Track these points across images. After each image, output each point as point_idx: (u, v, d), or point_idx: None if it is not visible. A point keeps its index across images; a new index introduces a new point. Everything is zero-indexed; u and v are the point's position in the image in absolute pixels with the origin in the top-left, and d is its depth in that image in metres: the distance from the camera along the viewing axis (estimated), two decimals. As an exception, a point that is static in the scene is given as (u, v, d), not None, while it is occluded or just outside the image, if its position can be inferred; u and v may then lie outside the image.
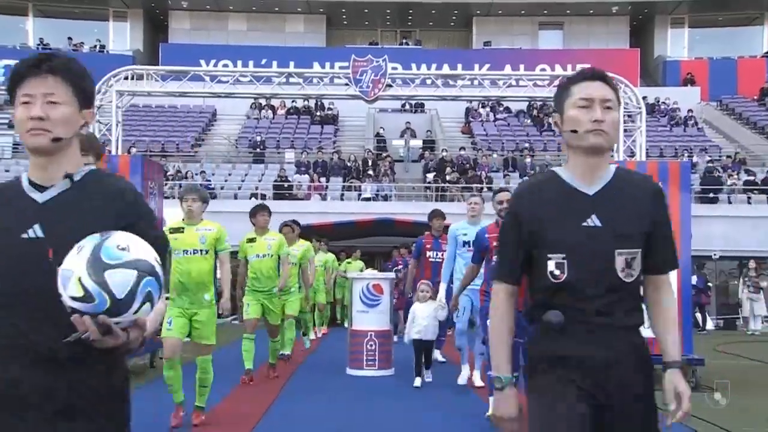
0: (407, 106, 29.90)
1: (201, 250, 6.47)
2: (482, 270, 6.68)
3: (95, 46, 35.05)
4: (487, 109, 30.01)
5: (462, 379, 8.61)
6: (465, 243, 8.06)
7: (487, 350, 6.55)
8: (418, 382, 8.49)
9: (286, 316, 9.91)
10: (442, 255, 9.03)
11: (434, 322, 8.30)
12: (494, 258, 6.02)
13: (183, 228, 6.55)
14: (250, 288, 8.73)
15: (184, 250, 6.45)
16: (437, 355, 10.11)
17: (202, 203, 6.59)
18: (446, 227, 9.45)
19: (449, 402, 7.67)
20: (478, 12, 36.46)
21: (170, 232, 6.46)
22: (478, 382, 8.22)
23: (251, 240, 8.73)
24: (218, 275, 7.02)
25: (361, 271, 15.46)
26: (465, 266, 7.69)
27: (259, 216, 8.70)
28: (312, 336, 13.76)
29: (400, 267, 14.70)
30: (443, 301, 8.10)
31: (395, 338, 12.42)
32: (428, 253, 9.59)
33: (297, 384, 8.79)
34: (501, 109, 30.18)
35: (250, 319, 8.68)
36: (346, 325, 16.33)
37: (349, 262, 16.63)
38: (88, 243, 1.92)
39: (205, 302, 6.43)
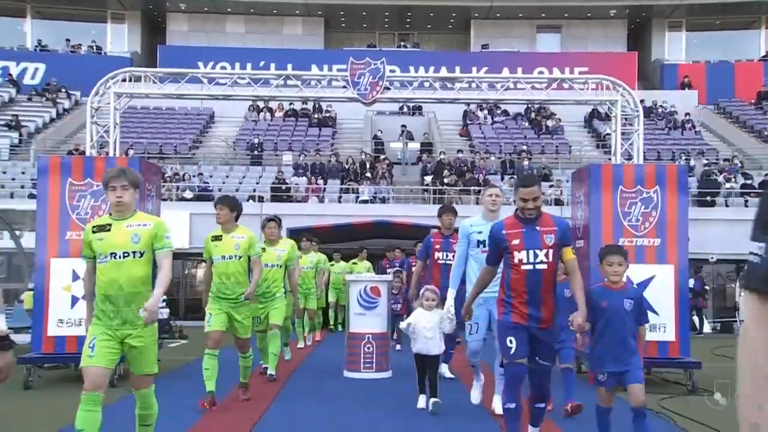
0: (405, 109, 29.92)
1: (134, 252, 4.91)
2: (499, 274, 5.56)
3: (93, 48, 35.04)
4: (485, 111, 30.03)
5: (475, 399, 7.50)
6: (480, 243, 6.76)
7: (504, 374, 5.55)
8: (422, 401, 7.37)
9: (271, 326, 8.73)
10: (453, 256, 7.79)
11: (440, 334, 7.05)
12: (518, 259, 5.16)
13: (110, 225, 4.97)
14: (214, 295, 7.43)
15: (111, 254, 4.89)
16: (444, 370, 9.01)
17: (134, 190, 5.00)
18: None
19: (450, 405, 7.65)
20: (477, 15, 36.51)
21: (93, 231, 4.96)
22: (498, 408, 6.65)
23: (216, 238, 7.47)
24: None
25: (368, 272, 14.92)
26: (480, 270, 6.45)
27: (217, 210, 7.46)
28: (301, 344, 12.99)
29: (397, 268, 13.83)
30: (451, 311, 6.79)
31: (398, 347, 12.18)
32: (437, 254, 8.45)
33: (294, 387, 8.78)
34: (499, 111, 30.20)
35: (212, 331, 7.34)
36: (340, 329, 15.85)
37: (355, 263, 15.67)
38: None
39: (139, 319, 4.84)
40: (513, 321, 5.22)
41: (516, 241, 5.23)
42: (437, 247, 8.48)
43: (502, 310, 5.35)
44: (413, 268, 10.46)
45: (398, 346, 12.30)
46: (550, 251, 5.20)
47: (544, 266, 5.18)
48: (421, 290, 7.48)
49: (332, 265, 15.53)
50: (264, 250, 8.53)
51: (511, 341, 5.21)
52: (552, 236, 5.23)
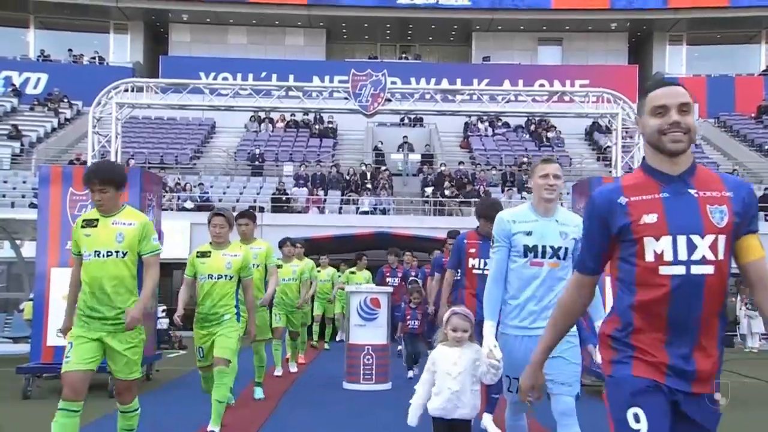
0: (406, 120, 30.00)
1: None
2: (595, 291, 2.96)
3: (95, 58, 35.18)
4: (486, 123, 30.10)
5: None
6: (529, 250, 4.28)
7: None
8: None
9: (216, 361, 6.24)
10: None
11: (474, 386, 4.34)
12: (654, 253, 2.58)
13: None
14: (79, 312, 4.87)
15: None
16: (487, 424, 6.42)
17: None
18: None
19: None
20: (478, 27, 36.64)
21: None
22: None
23: (89, 223, 4.87)
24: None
25: (368, 282, 13.40)
26: (526, 292, 4.27)
27: (91, 187, 4.83)
28: (279, 371, 10.27)
29: (413, 277, 11.94)
30: (497, 355, 4.16)
31: (411, 373, 10.00)
32: (471, 261, 6.25)
33: (293, 398, 8.74)
34: (500, 124, 30.26)
35: (70, 373, 4.71)
36: (326, 347, 14.52)
37: (353, 272, 13.91)
38: None
39: None
40: (637, 375, 2.62)
41: (650, 218, 2.61)
42: (472, 251, 6.26)
43: (610, 355, 2.72)
44: (431, 279, 9.09)
45: (411, 372, 10.12)
46: (721, 240, 2.59)
47: (708, 270, 2.57)
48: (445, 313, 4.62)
49: (318, 272, 13.09)
50: (207, 254, 6.43)
51: (637, 417, 2.58)
52: (724, 210, 2.62)
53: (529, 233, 4.30)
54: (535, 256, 4.28)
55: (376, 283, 12.82)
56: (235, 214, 7.54)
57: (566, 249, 4.31)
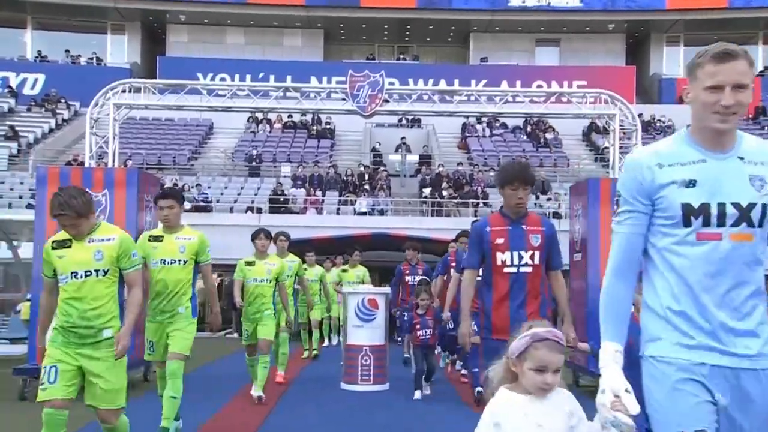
0: (404, 121, 30.01)
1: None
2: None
3: (93, 59, 35.14)
4: (484, 124, 30.12)
5: None
6: (692, 213, 2.39)
7: None
8: None
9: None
10: (533, 258, 4.59)
11: None
12: None
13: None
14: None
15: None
16: None
17: None
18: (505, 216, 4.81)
19: (447, 416, 7.61)
20: (476, 28, 36.67)
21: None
22: None
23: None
24: None
25: (362, 282, 12.21)
26: (692, 286, 2.38)
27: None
28: (259, 391, 8.08)
29: (422, 277, 10.61)
30: (629, 403, 2.26)
31: (419, 393, 8.58)
32: (500, 256, 4.67)
33: (291, 399, 8.73)
34: (497, 124, 30.28)
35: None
36: (315, 353, 12.88)
37: (345, 270, 12.70)
38: None
39: None
40: None
41: None
42: (499, 242, 4.68)
43: None
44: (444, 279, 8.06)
45: (419, 393, 8.66)
46: None
47: None
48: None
49: (305, 270, 11.01)
50: (66, 243, 4.67)
51: None
52: None
53: (691, 183, 2.40)
54: (706, 224, 2.39)
55: (392, 282, 11.36)
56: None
57: (764, 207, 2.39)
